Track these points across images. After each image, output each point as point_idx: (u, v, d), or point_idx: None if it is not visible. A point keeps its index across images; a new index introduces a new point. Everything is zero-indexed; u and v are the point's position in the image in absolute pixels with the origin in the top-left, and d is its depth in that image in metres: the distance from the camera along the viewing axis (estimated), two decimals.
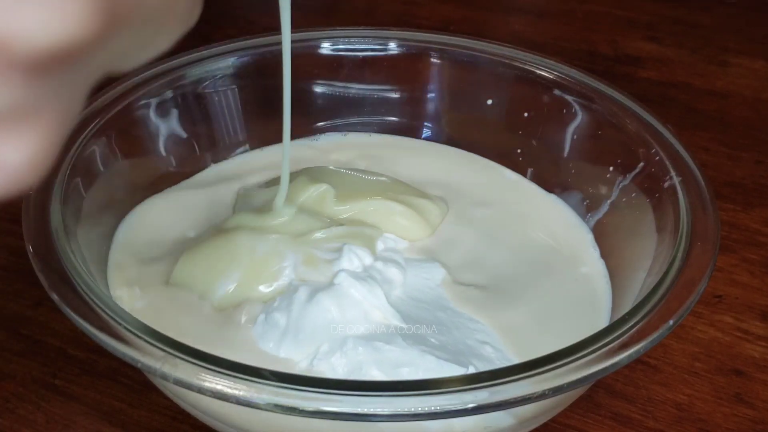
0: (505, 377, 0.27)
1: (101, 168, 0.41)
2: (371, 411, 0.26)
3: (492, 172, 0.48)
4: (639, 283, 0.36)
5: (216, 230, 0.40)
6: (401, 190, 0.44)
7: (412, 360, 0.33)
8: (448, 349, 0.34)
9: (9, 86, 0.14)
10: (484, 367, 0.34)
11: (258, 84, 0.49)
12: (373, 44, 0.50)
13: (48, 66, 0.15)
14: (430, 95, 0.51)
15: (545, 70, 0.47)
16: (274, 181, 0.43)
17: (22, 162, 0.15)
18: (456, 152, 0.50)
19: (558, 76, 0.46)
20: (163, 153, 0.46)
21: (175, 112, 0.46)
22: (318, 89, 0.51)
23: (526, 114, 0.48)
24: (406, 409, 0.26)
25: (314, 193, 0.41)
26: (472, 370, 0.33)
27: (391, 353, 0.33)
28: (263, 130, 0.50)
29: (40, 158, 0.16)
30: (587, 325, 0.34)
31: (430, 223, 0.43)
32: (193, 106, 0.47)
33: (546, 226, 0.44)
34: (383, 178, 0.45)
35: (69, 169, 0.37)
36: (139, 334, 0.29)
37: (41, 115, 0.15)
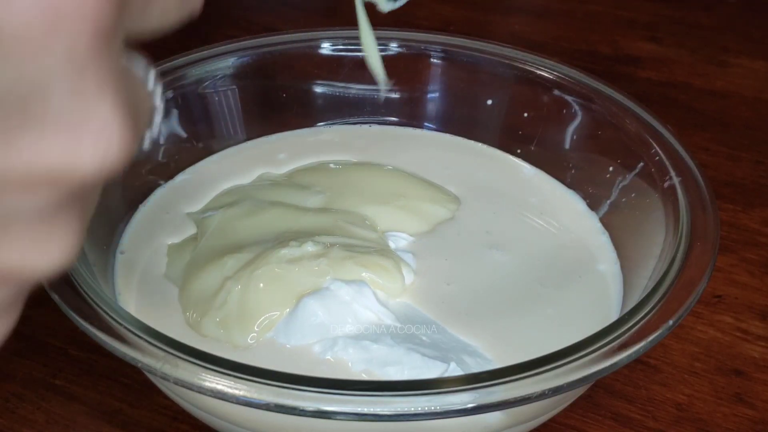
0: (504, 377, 0.27)
1: None
2: (371, 411, 0.26)
3: (507, 164, 0.48)
4: (642, 284, 0.36)
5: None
6: (406, 187, 0.44)
7: (399, 358, 0.33)
8: (440, 347, 0.34)
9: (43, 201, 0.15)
10: (474, 363, 0.34)
11: (258, 84, 0.49)
12: None
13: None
14: (430, 95, 0.51)
15: (545, 70, 0.47)
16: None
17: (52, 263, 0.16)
18: (472, 145, 0.50)
19: (558, 76, 0.46)
20: (164, 153, 0.46)
21: (175, 112, 0.46)
22: (318, 89, 0.51)
23: (526, 114, 0.48)
24: (405, 409, 0.26)
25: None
26: (453, 366, 0.33)
27: (379, 352, 0.34)
28: (263, 130, 0.50)
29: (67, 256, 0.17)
30: (595, 326, 0.33)
31: (429, 224, 0.43)
32: (193, 106, 0.47)
33: (562, 221, 0.44)
34: (390, 172, 0.45)
35: None
36: (140, 334, 0.29)
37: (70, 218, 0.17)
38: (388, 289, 0.37)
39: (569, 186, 0.46)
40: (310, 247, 0.37)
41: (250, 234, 0.40)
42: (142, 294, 0.38)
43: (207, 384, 0.27)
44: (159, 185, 0.45)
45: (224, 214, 0.41)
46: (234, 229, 0.40)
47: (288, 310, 0.36)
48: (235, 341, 0.35)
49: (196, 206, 0.44)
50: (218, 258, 0.38)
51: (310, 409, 0.26)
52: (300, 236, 0.39)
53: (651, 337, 0.29)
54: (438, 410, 0.26)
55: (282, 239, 0.38)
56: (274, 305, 0.36)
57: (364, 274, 0.37)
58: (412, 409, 0.26)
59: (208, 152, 0.48)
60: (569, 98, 0.46)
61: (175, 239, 0.41)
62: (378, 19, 0.57)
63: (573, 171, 0.46)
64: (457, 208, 0.44)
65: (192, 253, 0.40)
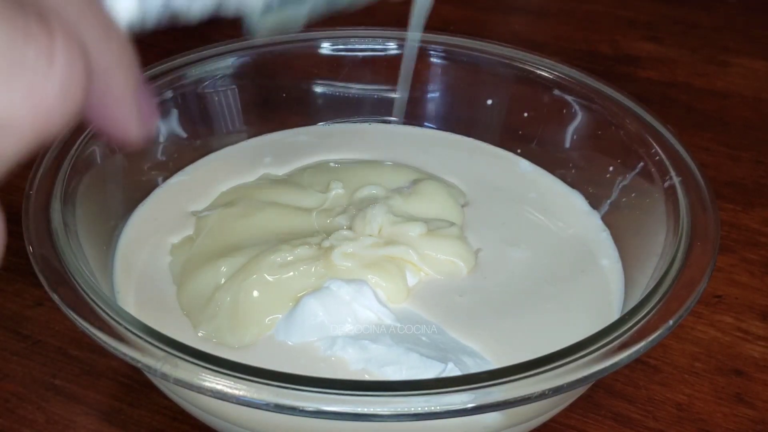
0: (504, 377, 0.27)
1: (101, 168, 0.41)
2: (371, 411, 0.26)
3: (508, 163, 0.49)
4: (643, 282, 0.36)
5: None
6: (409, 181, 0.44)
7: (397, 358, 0.33)
8: (439, 347, 0.34)
9: None
10: (473, 363, 0.34)
11: (258, 84, 0.49)
12: (373, 44, 0.50)
13: None
14: (430, 95, 0.51)
15: (545, 70, 0.47)
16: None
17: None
18: (473, 143, 0.50)
19: (558, 76, 0.46)
20: (164, 153, 0.46)
21: (175, 112, 0.46)
22: (318, 89, 0.51)
23: (526, 114, 0.48)
24: (405, 409, 0.26)
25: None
26: (450, 366, 0.33)
27: (377, 351, 0.34)
28: (263, 130, 0.50)
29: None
30: (598, 324, 0.33)
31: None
32: (193, 106, 0.47)
33: (564, 220, 0.44)
34: (392, 168, 0.46)
35: (69, 169, 0.37)
36: (139, 334, 0.29)
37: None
38: (390, 291, 0.37)
39: (570, 185, 0.46)
40: (303, 251, 0.37)
41: (245, 235, 0.39)
42: (141, 293, 0.38)
43: (207, 384, 0.27)
44: (158, 185, 0.45)
45: (220, 214, 0.41)
46: (230, 229, 0.40)
47: (281, 315, 0.36)
48: (229, 346, 0.35)
49: (195, 206, 0.44)
50: (212, 261, 0.38)
51: (310, 409, 0.26)
52: (297, 237, 0.39)
53: (651, 337, 0.29)
54: (438, 410, 0.26)
55: (278, 241, 0.38)
56: (267, 312, 0.36)
57: (364, 277, 0.37)
58: (412, 409, 0.26)
59: (208, 152, 0.48)
60: (569, 98, 0.46)
61: (174, 239, 0.41)
62: (378, 19, 0.57)
63: (573, 171, 0.46)
64: (466, 202, 0.44)
65: (188, 254, 0.40)
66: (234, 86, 0.48)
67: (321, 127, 0.51)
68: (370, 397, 0.26)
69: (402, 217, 0.40)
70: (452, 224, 0.41)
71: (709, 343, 0.42)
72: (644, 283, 0.36)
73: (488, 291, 0.39)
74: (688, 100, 0.63)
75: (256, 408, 0.27)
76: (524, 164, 0.48)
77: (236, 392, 0.27)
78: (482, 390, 0.27)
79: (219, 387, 0.27)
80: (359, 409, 0.26)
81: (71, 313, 0.30)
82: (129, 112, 0.20)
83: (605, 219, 0.44)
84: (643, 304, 0.31)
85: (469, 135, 0.50)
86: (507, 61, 0.48)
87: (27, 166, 0.37)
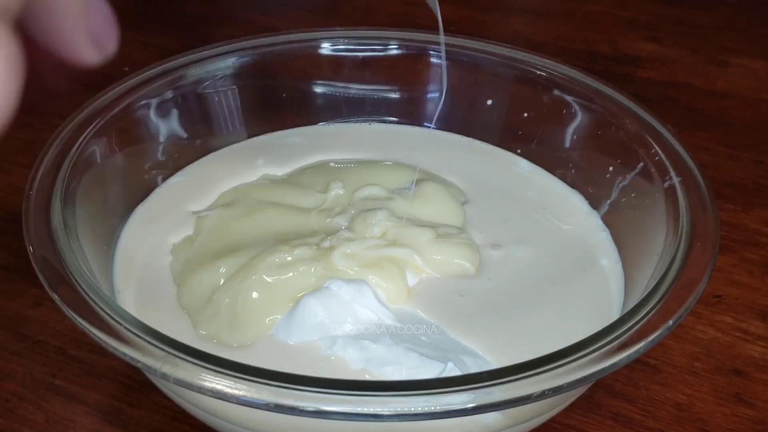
0: (504, 377, 0.27)
1: (101, 168, 0.41)
2: (371, 411, 0.26)
3: (508, 163, 0.49)
4: (643, 282, 0.36)
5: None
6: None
7: (397, 358, 0.33)
8: (439, 347, 0.34)
9: None
10: (473, 363, 0.34)
11: (258, 84, 0.49)
12: (373, 44, 0.50)
13: None
14: (430, 95, 0.51)
15: (545, 70, 0.47)
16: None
17: None
18: (473, 143, 0.50)
19: (558, 76, 0.46)
20: (164, 153, 0.46)
21: (175, 112, 0.46)
22: (318, 89, 0.51)
23: (525, 114, 0.48)
24: (406, 409, 0.26)
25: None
26: (450, 366, 0.33)
27: (377, 351, 0.34)
28: (263, 130, 0.50)
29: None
30: (598, 324, 0.32)
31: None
32: (193, 106, 0.47)
33: (563, 219, 0.44)
34: (392, 167, 0.46)
35: (69, 169, 0.37)
36: (139, 334, 0.29)
37: None
38: (390, 291, 0.37)
39: (570, 185, 0.46)
40: (302, 252, 0.37)
41: (245, 235, 0.39)
42: (141, 293, 0.38)
43: (207, 384, 0.27)
44: (158, 185, 0.45)
45: (220, 214, 0.41)
46: (229, 230, 0.40)
47: (281, 316, 0.36)
48: (229, 346, 0.35)
49: (195, 206, 0.44)
50: (211, 261, 0.38)
51: (310, 409, 0.26)
52: (297, 237, 0.39)
53: (651, 337, 0.29)
54: (438, 410, 0.26)
55: (277, 241, 0.38)
56: (267, 313, 0.36)
57: (364, 277, 0.37)
58: (412, 409, 0.26)
59: (208, 152, 0.48)
60: (569, 98, 0.46)
61: (174, 239, 0.41)
62: (378, 19, 0.57)
63: (573, 171, 0.46)
64: (465, 200, 0.44)
65: (188, 254, 0.40)
66: (234, 86, 0.48)
67: (321, 127, 0.51)
68: (370, 397, 0.26)
69: (403, 219, 0.40)
70: (461, 230, 0.41)
71: (709, 343, 0.42)
72: (644, 283, 0.36)
73: (488, 291, 0.39)
74: (688, 100, 0.63)
75: (256, 408, 0.27)
76: (524, 164, 0.48)
77: (236, 392, 0.27)
78: (482, 390, 0.27)
79: (219, 387, 0.27)
80: (359, 409, 0.26)
81: (71, 313, 0.30)
82: (77, 30, 0.18)
83: (605, 219, 0.44)
84: (643, 304, 0.31)
85: (469, 135, 0.50)
86: (507, 61, 0.48)
87: (27, 166, 0.37)
